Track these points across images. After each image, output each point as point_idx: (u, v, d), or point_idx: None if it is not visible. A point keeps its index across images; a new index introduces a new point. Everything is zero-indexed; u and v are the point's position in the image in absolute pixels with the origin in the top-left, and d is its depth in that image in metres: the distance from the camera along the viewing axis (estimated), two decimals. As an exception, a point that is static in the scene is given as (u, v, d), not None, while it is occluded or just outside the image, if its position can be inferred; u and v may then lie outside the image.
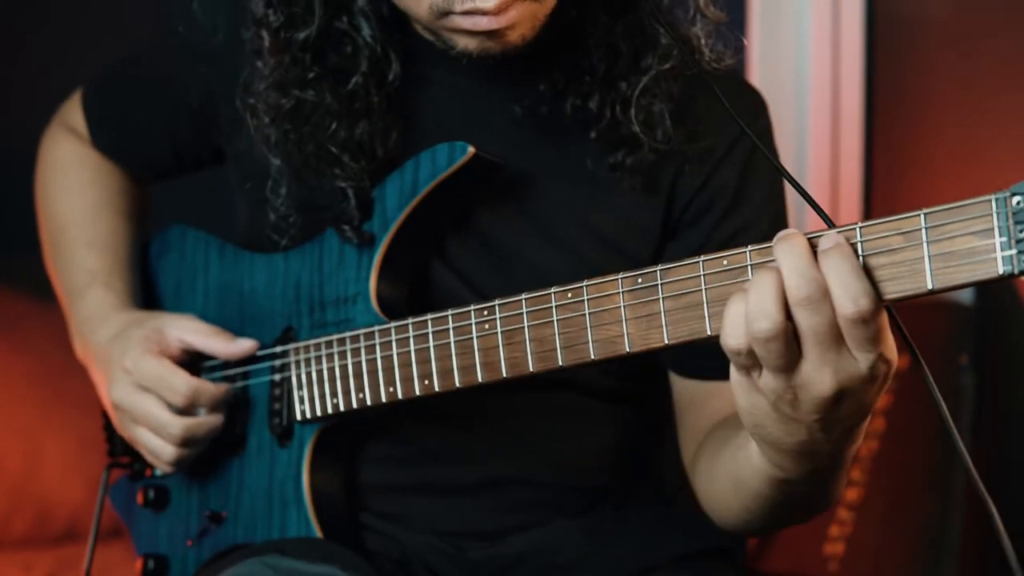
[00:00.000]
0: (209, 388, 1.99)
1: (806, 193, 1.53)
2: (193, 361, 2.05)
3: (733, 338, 1.43)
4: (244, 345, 2.02)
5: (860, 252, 1.39)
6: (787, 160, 3.69)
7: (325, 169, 1.92)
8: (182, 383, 1.97)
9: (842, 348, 1.41)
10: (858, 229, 1.39)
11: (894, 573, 2.99)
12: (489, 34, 1.77)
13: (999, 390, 3.02)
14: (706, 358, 1.90)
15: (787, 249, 1.40)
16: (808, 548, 3.09)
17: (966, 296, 3.06)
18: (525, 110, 1.94)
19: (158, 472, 2.14)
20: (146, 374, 1.99)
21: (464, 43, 1.81)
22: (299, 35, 1.90)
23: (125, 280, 2.19)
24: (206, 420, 1.99)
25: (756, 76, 3.69)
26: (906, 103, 3.71)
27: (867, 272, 1.40)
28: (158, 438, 1.99)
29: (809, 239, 1.42)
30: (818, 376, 1.43)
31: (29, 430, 3.25)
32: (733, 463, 1.73)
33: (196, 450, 2.02)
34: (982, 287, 3.06)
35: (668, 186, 1.96)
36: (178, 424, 1.97)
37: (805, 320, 1.40)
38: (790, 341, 1.41)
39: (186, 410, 1.98)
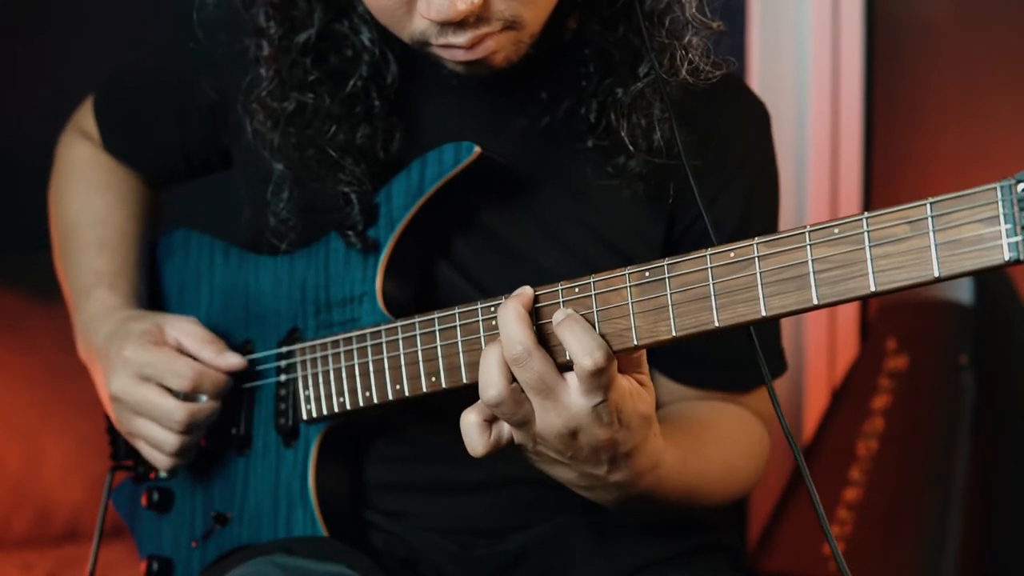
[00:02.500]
0: (212, 373, 1.98)
1: None
2: None
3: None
4: (231, 360, 2.01)
5: (867, 243, 1.41)
6: (787, 160, 3.69)
7: (326, 173, 1.92)
8: (185, 366, 1.96)
9: (558, 395, 1.61)
10: (864, 220, 1.41)
11: (894, 573, 2.99)
12: (470, 62, 1.79)
13: (999, 390, 3.03)
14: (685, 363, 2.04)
15: (501, 315, 1.62)
16: (808, 548, 3.10)
17: (966, 296, 3.06)
18: (527, 118, 1.95)
19: (162, 473, 2.14)
20: (147, 362, 1.98)
21: (451, 66, 1.81)
22: (299, 38, 1.91)
23: (131, 283, 2.18)
24: (206, 406, 1.98)
25: (756, 76, 3.70)
26: (906, 103, 3.72)
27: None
28: (160, 427, 1.98)
29: (536, 294, 1.64)
30: (547, 419, 1.62)
31: (29, 430, 3.25)
32: None
33: (196, 438, 2.01)
34: (982, 286, 3.06)
35: (674, 198, 1.96)
36: (181, 409, 1.96)
37: (520, 376, 1.61)
38: (519, 400, 1.62)
39: (189, 395, 1.98)
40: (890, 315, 3.31)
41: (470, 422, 1.66)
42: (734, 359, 2.00)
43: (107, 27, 3.42)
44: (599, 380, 1.57)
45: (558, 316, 1.60)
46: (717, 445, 1.93)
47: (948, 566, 2.88)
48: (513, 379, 1.60)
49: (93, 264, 2.18)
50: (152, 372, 1.97)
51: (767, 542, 3.25)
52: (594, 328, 1.58)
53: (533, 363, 1.58)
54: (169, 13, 2.12)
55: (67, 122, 2.36)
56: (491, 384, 1.60)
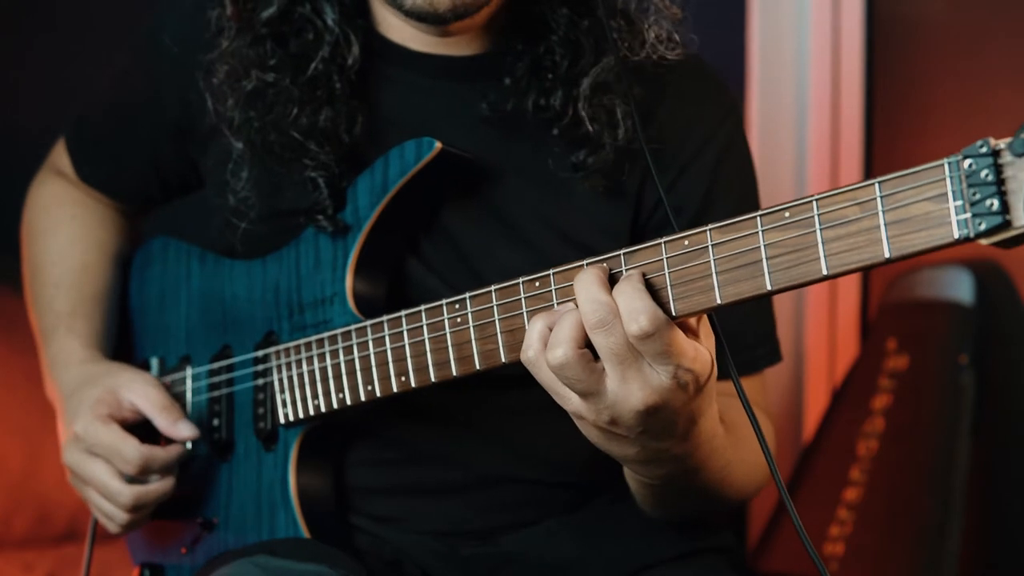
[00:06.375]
0: (159, 454, 1.98)
1: None
2: (149, 422, 2.04)
3: (524, 351, 1.57)
4: (184, 432, 2.00)
5: (817, 225, 1.39)
6: (787, 160, 3.69)
7: (291, 157, 1.92)
8: (133, 453, 1.96)
9: (642, 363, 1.52)
10: (815, 202, 1.39)
11: (894, 573, 2.98)
12: None
13: (999, 390, 3.01)
14: None
15: (581, 280, 1.53)
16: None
17: (966, 296, 3.05)
18: (489, 104, 1.94)
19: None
20: (96, 441, 1.98)
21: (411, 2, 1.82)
22: (261, 14, 1.92)
23: (88, 320, 2.19)
24: (156, 487, 1.99)
25: (756, 76, 3.69)
26: (906, 103, 3.70)
27: (655, 292, 1.51)
28: (108, 503, 2.00)
29: (612, 272, 1.54)
30: (625, 391, 1.53)
31: (29, 430, 3.25)
32: None
33: (145, 514, 2.02)
34: (982, 286, 3.05)
35: (635, 188, 1.96)
36: (128, 492, 1.97)
37: (602, 342, 1.50)
38: (586, 368, 1.52)
39: (137, 478, 1.98)
40: (890, 315, 3.30)
41: (535, 327, 1.57)
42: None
43: (111, 28, 3.42)
44: (652, 346, 1.49)
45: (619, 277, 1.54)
46: (743, 434, 1.90)
47: (948, 566, 2.87)
48: (583, 345, 1.52)
49: (53, 305, 2.20)
50: (101, 452, 1.98)
51: (767, 542, 3.24)
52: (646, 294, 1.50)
53: (618, 328, 1.49)
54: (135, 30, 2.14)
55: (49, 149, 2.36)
56: (558, 344, 1.52)
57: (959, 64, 3.60)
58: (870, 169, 3.74)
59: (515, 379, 1.77)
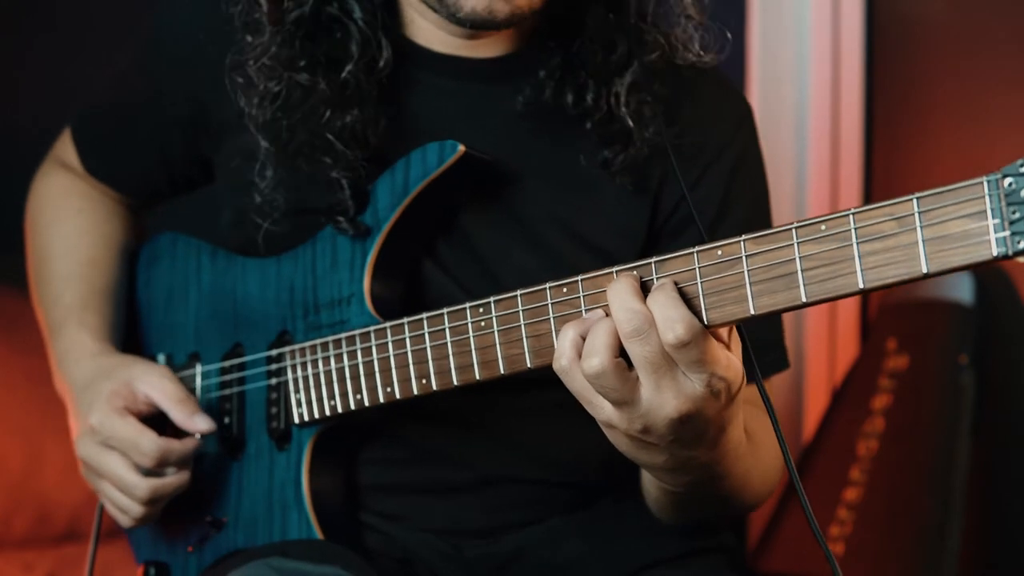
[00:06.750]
0: (176, 447, 1.97)
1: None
2: (162, 415, 2.02)
3: (556, 360, 1.57)
4: (201, 425, 1.98)
5: (854, 239, 1.40)
6: (787, 161, 3.70)
7: (318, 157, 1.91)
8: (151, 446, 1.95)
9: (676, 371, 1.52)
10: (851, 216, 1.40)
11: (894, 573, 2.99)
12: None
13: (999, 390, 3.02)
14: None
15: (614, 289, 1.53)
16: (808, 548, 3.09)
17: (966, 296, 3.06)
18: (523, 99, 1.94)
19: None
20: (112, 434, 1.97)
21: (472, 3, 1.81)
22: (292, 14, 1.91)
23: (98, 313, 2.17)
24: (172, 480, 1.98)
25: (756, 76, 3.70)
26: (906, 102, 3.71)
27: (688, 301, 1.51)
28: (124, 496, 1.98)
29: (643, 280, 1.54)
30: (659, 400, 1.53)
31: (29, 430, 3.24)
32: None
33: (160, 507, 2.01)
34: (982, 286, 3.06)
35: (655, 186, 1.97)
36: (144, 486, 1.96)
37: (637, 350, 1.51)
38: (621, 377, 1.52)
39: (153, 471, 1.98)
40: (890, 315, 3.30)
41: (567, 335, 1.57)
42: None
43: (111, 28, 3.41)
44: (688, 355, 1.49)
45: (653, 285, 1.54)
46: (759, 439, 1.91)
47: (948, 566, 2.88)
48: (619, 354, 1.52)
49: (61, 298, 2.18)
50: (117, 445, 1.97)
51: (767, 542, 3.25)
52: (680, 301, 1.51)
53: (653, 336, 1.49)
54: (147, 24, 2.13)
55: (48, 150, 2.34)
56: (594, 352, 1.51)
57: (959, 64, 3.61)
58: (870, 170, 3.75)
59: (529, 381, 1.77)
